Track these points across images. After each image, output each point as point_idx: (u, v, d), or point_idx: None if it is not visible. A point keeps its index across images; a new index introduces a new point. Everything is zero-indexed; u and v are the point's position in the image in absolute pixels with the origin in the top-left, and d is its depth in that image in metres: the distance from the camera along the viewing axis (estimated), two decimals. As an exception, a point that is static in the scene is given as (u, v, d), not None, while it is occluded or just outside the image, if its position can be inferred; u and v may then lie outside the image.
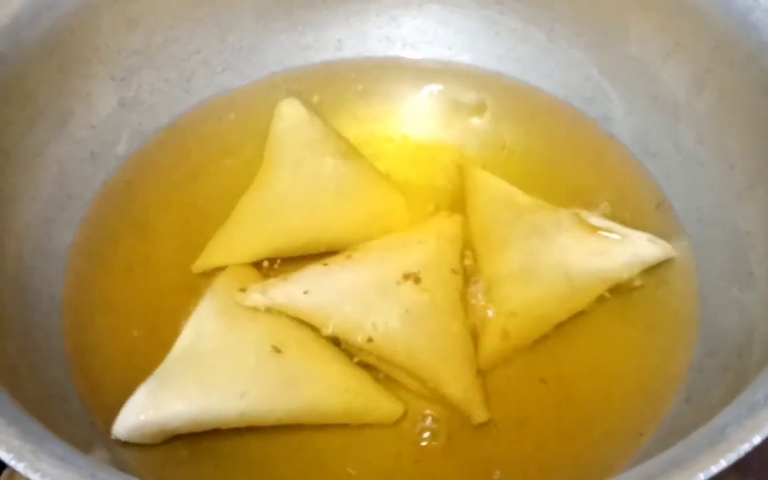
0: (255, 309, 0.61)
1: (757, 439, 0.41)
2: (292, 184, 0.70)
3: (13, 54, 0.62)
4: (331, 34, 0.79)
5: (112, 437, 0.55)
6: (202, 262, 0.66)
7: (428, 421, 0.59)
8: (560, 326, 0.62)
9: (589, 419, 0.58)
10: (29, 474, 0.39)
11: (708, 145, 0.66)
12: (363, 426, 0.58)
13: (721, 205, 0.64)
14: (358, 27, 0.79)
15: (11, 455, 0.39)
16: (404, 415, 0.59)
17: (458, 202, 0.70)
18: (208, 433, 0.56)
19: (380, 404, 0.59)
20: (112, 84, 0.71)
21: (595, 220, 0.65)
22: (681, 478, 0.39)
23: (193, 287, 0.64)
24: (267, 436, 0.57)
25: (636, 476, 0.40)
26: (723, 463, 0.40)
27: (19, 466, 0.39)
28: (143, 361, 0.59)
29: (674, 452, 0.41)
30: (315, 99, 0.77)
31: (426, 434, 0.58)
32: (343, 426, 0.58)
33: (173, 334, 0.60)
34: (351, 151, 0.73)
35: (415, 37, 0.80)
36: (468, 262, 0.66)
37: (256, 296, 0.61)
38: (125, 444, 0.56)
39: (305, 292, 0.61)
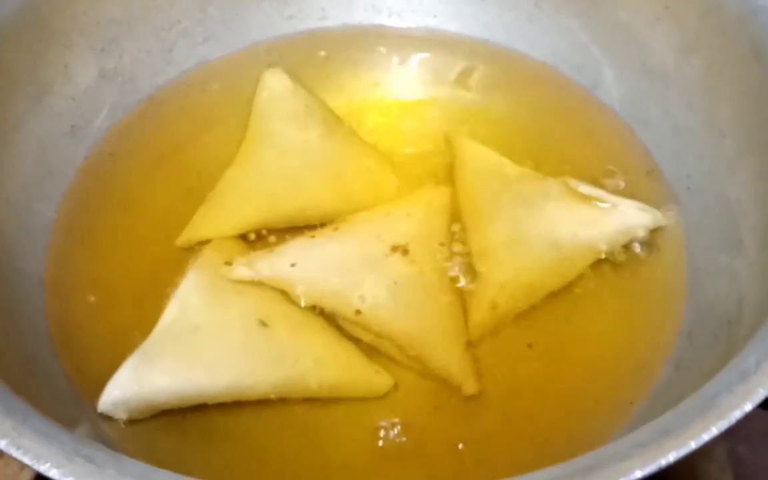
0: (241, 282, 0.60)
1: (748, 407, 0.40)
2: (278, 156, 0.69)
3: (-11, 26, 0.61)
4: (315, 3, 0.78)
5: (98, 412, 0.54)
6: (187, 236, 0.65)
7: (417, 394, 0.58)
8: (549, 296, 0.62)
9: (579, 390, 0.58)
10: (11, 451, 0.38)
11: (698, 112, 0.65)
12: (352, 399, 0.57)
13: (712, 172, 0.63)
14: (342, -5, 0.78)
15: (-7, 432, 0.39)
16: (394, 387, 0.58)
17: (446, 172, 0.69)
18: (194, 407, 0.56)
19: (369, 377, 0.58)
20: (92, 55, 0.69)
21: (584, 188, 0.65)
22: (672, 446, 0.39)
23: (178, 261, 0.63)
24: (254, 410, 0.56)
25: (627, 444, 0.40)
26: (714, 431, 0.39)
27: (1, 443, 0.38)
28: (129, 337, 0.58)
29: (665, 420, 0.41)
30: (299, 69, 0.75)
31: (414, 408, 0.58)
32: (332, 399, 0.57)
33: (159, 309, 0.59)
34: (337, 122, 0.72)
35: (400, 5, 0.79)
36: (456, 232, 0.65)
37: (242, 270, 0.60)
38: (111, 419, 0.55)
39: (292, 265, 0.61)
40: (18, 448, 0.38)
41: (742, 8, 0.61)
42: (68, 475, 0.37)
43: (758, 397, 0.40)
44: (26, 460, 0.38)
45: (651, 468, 0.37)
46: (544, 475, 0.40)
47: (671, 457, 0.38)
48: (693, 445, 0.38)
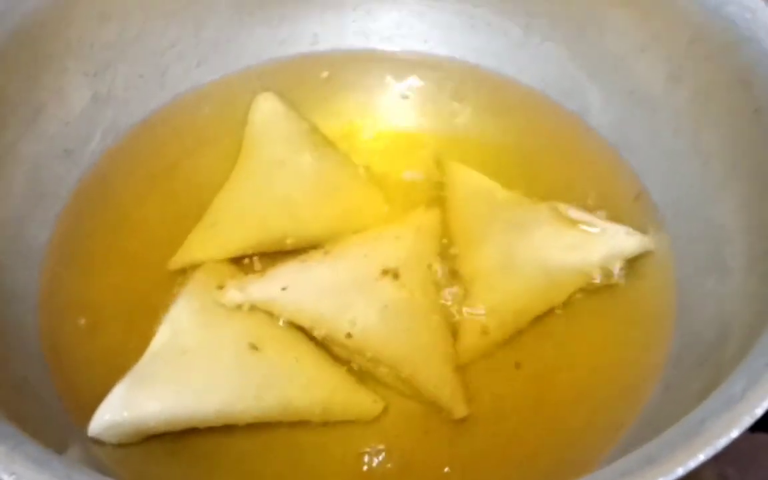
0: (233, 307, 0.60)
1: (734, 433, 0.41)
2: (269, 180, 0.69)
3: (-18, 49, 0.61)
4: (306, 28, 0.79)
5: (88, 436, 0.54)
6: (179, 259, 0.65)
7: (407, 418, 0.58)
8: (538, 320, 0.62)
9: (567, 413, 0.58)
10: (2, 476, 0.38)
11: (684, 138, 0.66)
12: (342, 423, 0.58)
13: (698, 198, 0.64)
14: (333, 21, 0.79)
15: (-16, 459, 0.39)
16: (384, 411, 0.58)
17: (436, 196, 0.70)
18: (185, 431, 0.56)
19: (360, 401, 0.59)
20: (85, 79, 0.70)
21: (573, 213, 0.65)
22: (659, 473, 0.39)
23: (170, 284, 0.63)
24: (244, 433, 0.57)
25: (613, 473, 0.40)
26: (701, 457, 0.40)
27: (-7, 469, 0.38)
28: (121, 359, 0.58)
29: (651, 447, 0.42)
30: (291, 93, 0.76)
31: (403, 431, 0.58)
32: (323, 423, 0.57)
33: (151, 331, 0.60)
34: (328, 146, 0.73)
35: (391, 30, 0.80)
36: (447, 257, 0.65)
37: (233, 293, 0.61)
38: (102, 443, 0.55)
39: (283, 289, 0.61)
40: (11, 473, 0.38)
41: (726, 38, 0.62)
42: (61, 501, 0.37)
43: (744, 424, 0.41)
44: (19, 486, 0.38)
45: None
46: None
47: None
48: (680, 471, 0.39)
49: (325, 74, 0.78)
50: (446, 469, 0.56)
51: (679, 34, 0.66)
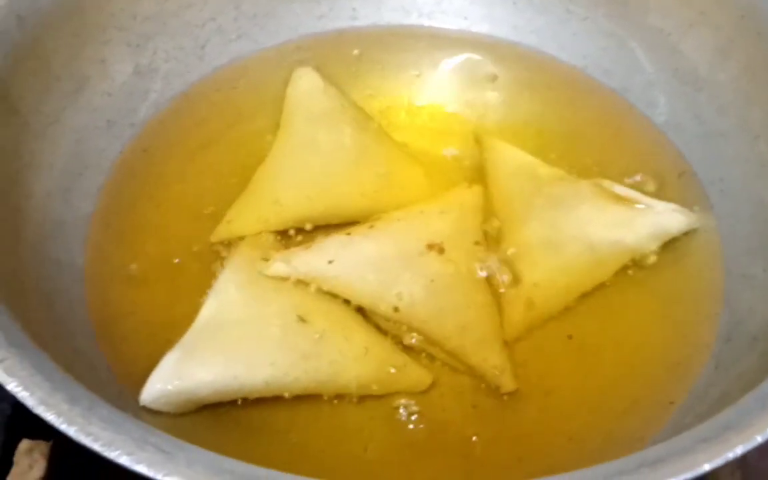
0: (278, 279, 0.60)
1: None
2: (310, 154, 0.69)
3: (30, 16, 0.61)
4: (345, 3, 0.79)
5: (140, 405, 0.54)
6: (221, 232, 0.65)
7: (455, 392, 0.58)
8: (584, 297, 0.62)
9: (616, 389, 0.58)
10: (80, 438, 0.38)
11: (730, 116, 0.66)
12: (390, 395, 0.58)
13: (745, 176, 0.64)
14: (374, -4, 0.79)
15: (61, 419, 0.39)
16: (432, 384, 0.58)
17: (477, 172, 0.70)
18: (234, 402, 0.56)
19: (408, 373, 0.58)
20: (128, 50, 0.70)
21: (618, 189, 0.65)
22: (738, 441, 0.39)
23: (212, 256, 0.63)
24: (292, 404, 0.57)
25: (692, 440, 0.40)
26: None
27: (70, 431, 0.38)
28: (167, 330, 0.58)
29: (726, 416, 0.41)
30: (329, 68, 0.76)
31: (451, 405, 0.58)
32: (370, 395, 0.57)
33: (194, 303, 0.59)
34: (367, 121, 0.73)
35: (430, 6, 0.79)
36: (491, 232, 0.65)
37: (279, 266, 0.60)
38: (153, 413, 0.55)
39: (329, 262, 0.61)
40: (87, 435, 0.38)
41: (778, 15, 0.62)
42: (140, 462, 0.37)
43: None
44: (96, 447, 0.38)
45: (718, 462, 0.37)
46: (605, 469, 0.40)
47: (738, 450, 0.38)
48: (759, 439, 0.38)
49: (363, 50, 0.78)
50: (498, 444, 0.56)
51: (728, 10, 0.66)
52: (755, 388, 0.43)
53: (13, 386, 0.40)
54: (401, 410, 0.57)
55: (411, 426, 0.57)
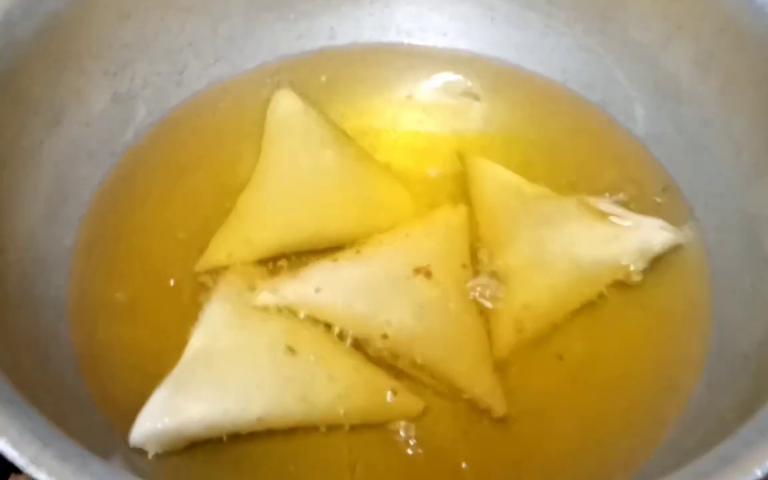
0: (266, 308, 0.59)
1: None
2: (293, 178, 0.68)
3: (5, 49, 0.60)
4: (324, 22, 0.78)
5: (130, 445, 0.54)
6: (206, 261, 0.64)
7: (447, 418, 0.58)
8: (572, 315, 0.62)
9: (609, 409, 0.58)
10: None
11: (713, 128, 0.66)
12: (383, 423, 0.57)
13: (730, 189, 0.64)
14: (351, 14, 0.78)
15: (53, 478, 0.38)
16: (423, 411, 0.58)
17: (460, 191, 0.70)
18: (225, 437, 0.55)
19: (399, 401, 0.58)
20: (105, 78, 0.69)
21: (604, 206, 0.65)
22: (735, 475, 0.39)
23: (197, 286, 0.63)
24: (284, 437, 0.56)
25: (690, 474, 0.40)
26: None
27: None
28: (153, 363, 0.58)
29: (724, 449, 0.41)
30: (308, 89, 0.75)
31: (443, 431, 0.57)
32: (363, 425, 0.57)
33: (180, 334, 0.59)
34: (349, 142, 0.72)
35: (409, 23, 0.79)
36: (476, 254, 0.65)
37: (266, 295, 0.60)
38: (143, 452, 0.54)
39: (317, 290, 0.60)
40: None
41: (759, 27, 0.62)
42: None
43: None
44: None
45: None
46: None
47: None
48: (759, 473, 0.38)
49: (343, 69, 0.77)
50: (491, 470, 0.55)
51: (706, 23, 0.66)
52: (752, 418, 0.43)
53: (2, 444, 0.39)
54: (394, 438, 0.57)
55: (404, 454, 0.56)
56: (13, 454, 0.39)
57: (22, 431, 0.40)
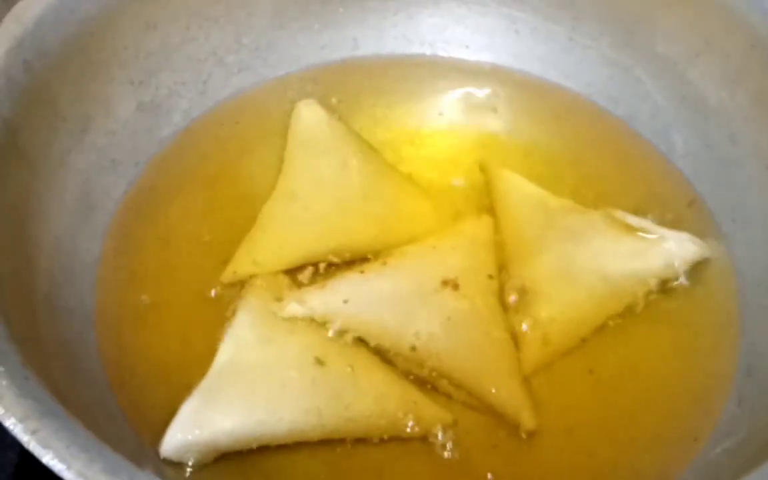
0: (293, 320, 0.59)
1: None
2: (317, 189, 0.68)
3: (37, 60, 0.60)
4: (347, 33, 0.78)
5: (161, 457, 0.53)
6: (232, 272, 0.64)
7: (475, 432, 0.58)
8: (602, 329, 0.62)
9: (638, 423, 0.58)
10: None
11: (741, 144, 0.66)
12: (411, 438, 0.57)
13: (758, 204, 0.64)
14: (374, 25, 0.78)
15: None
16: (452, 424, 0.57)
17: (484, 203, 0.69)
18: (255, 450, 0.55)
19: (427, 413, 0.57)
20: (131, 88, 0.69)
21: (631, 219, 0.65)
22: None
23: (223, 296, 0.63)
24: (312, 449, 0.56)
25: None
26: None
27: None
28: (181, 374, 0.57)
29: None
30: (333, 99, 0.75)
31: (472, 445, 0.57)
32: (393, 438, 0.56)
33: (207, 345, 0.59)
34: (372, 153, 0.72)
35: (432, 35, 0.79)
36: (503, 265, 0.64)
37: (294, 306, 0.60)
38: (173, 464, 0.54)
39: (345, 301, 0.60)
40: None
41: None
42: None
43: None
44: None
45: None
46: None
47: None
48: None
49: (366, 80, 0.77)
50: (520, 484, 0.55)
51: (735, 39, 0.66)
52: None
53: (48, 459, 0.39)
54: (423, 450, 0.56)
55: (433, 466, 0.56)
56: (60, 468, 0.39)
57: (68, 444, 0.40)
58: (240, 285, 0.63)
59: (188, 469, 0.54)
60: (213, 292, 0.63)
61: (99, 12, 0.64)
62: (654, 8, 0.70)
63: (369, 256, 0.64)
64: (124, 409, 0.56)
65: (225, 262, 0.64)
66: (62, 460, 0.39)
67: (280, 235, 0.66)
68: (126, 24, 0.67)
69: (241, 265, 0.64)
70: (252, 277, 0.63)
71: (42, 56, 0.60)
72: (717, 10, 0.66)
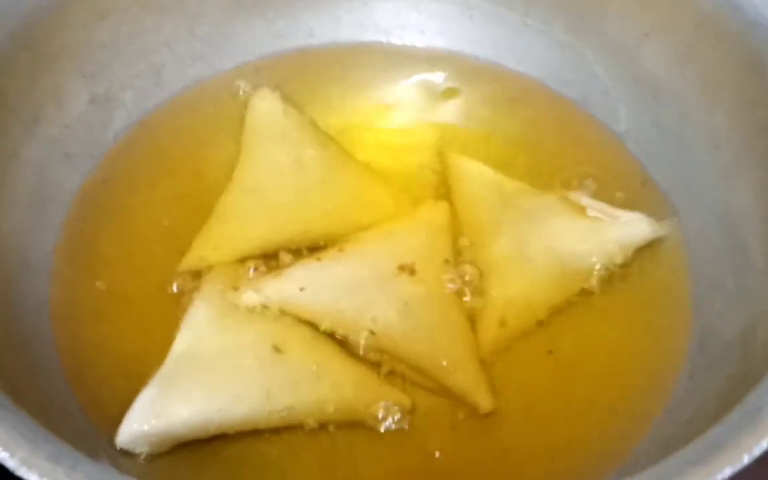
0: (250, 308, 0.59)
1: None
2: (274, 178, 0.68)
3: (-17, 51, 0.59)
4: (302, 21, 0.78)
5: (117, 447, 0.53)
6: (188, 262, 0.64)
7: (434, 415, 0.58)
8: (558, 310, 0.62)
9: (595, 401, 0.59)
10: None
11: (692, 123, 0.67)
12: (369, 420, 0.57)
13: (709, 183, 0.65)
14: (329, 13, 0.78)
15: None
16: (411, 408, 0.58)
17: (441, 189, 0.70)
18: (212, 438, 0.55)
19: (386, 399, 0.58)
20: (83, 80, 0.68)
21: (585, 201, 0.66)
22: (727, 461, 0.39)
23: (180, 287, 0.63)
24: (272, 436, 0.56)
25: (680, 462, 0.40)
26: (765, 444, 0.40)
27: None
28: (138, 365, 0.57)
29: (712, 435, 0.42)
30: (288, 88, 0.75)
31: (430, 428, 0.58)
32: (350, 423, 0.57)
33: (164, 335, 0.59)
34: (329, 141, 0.72)
35: (387, 22, 0.79)
36: (460, 249, 0.65)
37: (250, 295, 0.60)
38: (130, 454, 0.54)
39: (301, 289, 0.60)
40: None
41: (736, 22, 0.63)
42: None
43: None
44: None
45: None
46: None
47: (727, 472, 0.38)
48: (746, 458, 0.39)
49: (322, 68, 0.77)
50: (478, 465, 0.56)
51: (684, 18, 0.66)
52: (738, 404, 0.43)
53: (-7, 447, 0.38)
54: (380, 436, 0.57)
55: (390, 451, 0.56)
56: (3, 456, 0.38)
57: (12, 434, 0.40)
58: (199, 275, 0.63)
59: (142, 459, 0.54)
60: (172, 284, 0.63)
61: (46, 4, 0.64)
62: (603, -10, 0.71)
63: (327, 244, 0.64)
64: (81, 401, 0.56)
65: (183, 253, 0.64)
66: (5, 447, 0.39)
67: (237, 225, 0.66)
68: (76, 15, 0.66)
69: (197, 255, 0.64)
70: (209, 267, 0.63)
71: (-11, 48, 0.60)
72: (664, -9, 0.67)
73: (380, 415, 0.57)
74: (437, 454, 0.56)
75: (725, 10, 0.63)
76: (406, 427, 0.57)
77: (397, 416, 0.57)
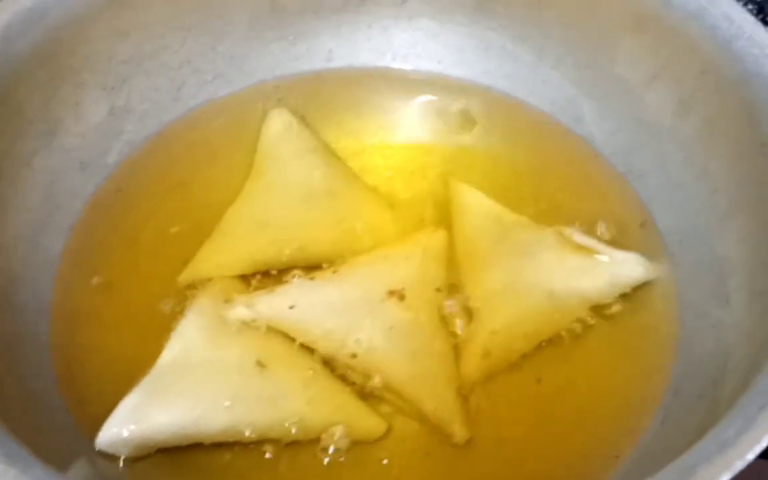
0: (241, 322, 0.61)
1: (726, 478, 0.41)
2: (279, 196, 0.70)
3: (4, 66, 0.62)
4: (322, 44, 0.80)
5: (96, 449, 0.56)
6: (189, 274, 0.66)
7: (410, 440, 0.59)
8: (543, 345, 0.63)
9: (568, 439, 0.59)
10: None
11: (692, 168, 0.67)
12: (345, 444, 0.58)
13: (704, 228, 0.65)
14: (349, 37, 0.80)
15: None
16: (387, 432, 0.59)
17: (445, 216, 0.71)
18: (191, 446, 0.57)
19: (363, 421, 0.59)
20: (102, 93, 0.71)
21: (579, 238, 0.66)
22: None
23: (180, 298, 0.64)
24: (251, 450, 0.58)
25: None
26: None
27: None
28: (130, 372, 0.59)
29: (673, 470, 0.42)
30: (304, 109, 0.77)
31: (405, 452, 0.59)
32: (327, 441, 0.58)
33: (160, 346, 0.60)
34: (339, 164, 0.74)
35: (405, 49, 0.80)
36: (452, 278, 0.66)
37: (241, 309, 0.62)
38: (108, 457, 0.56)
39: (291, 307, 0.62)
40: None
41: (735, 72, 0.63)
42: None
43: (736, 469, 0.42)
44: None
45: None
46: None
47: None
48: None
49: (338, 91, 0.79)
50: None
51: (689, 65, 0.66)
52: (673, 462, 0.44)
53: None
54: (355, 457, 0.58)
55: (364, 472, 0.58)
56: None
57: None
58: (197, 287, 0.65)
59: (121, 461, 0.56)
60: (172, 294, 0.65)
61: (69, 19, 0.67)
62: (615, 32, 0.71)
63: (327, 264, 0.66)
64: (67, 401, 0.58)
65: (187, 264, 0.66)
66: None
67: (239, 239, 0.68)
68: (98, 32, 0.69)
69: (198, 267, 0.66)
70: (209, 280, 0.65)
71: (9, 61, 0.63)
72: (673, 36, 0.67)
73: (355, 437, 0.58)
74: (409, 478, 0.58)
75: (727, 59, 0.63)
76: (381, 450, 0.58)
77: (372, 439, 0.59)
